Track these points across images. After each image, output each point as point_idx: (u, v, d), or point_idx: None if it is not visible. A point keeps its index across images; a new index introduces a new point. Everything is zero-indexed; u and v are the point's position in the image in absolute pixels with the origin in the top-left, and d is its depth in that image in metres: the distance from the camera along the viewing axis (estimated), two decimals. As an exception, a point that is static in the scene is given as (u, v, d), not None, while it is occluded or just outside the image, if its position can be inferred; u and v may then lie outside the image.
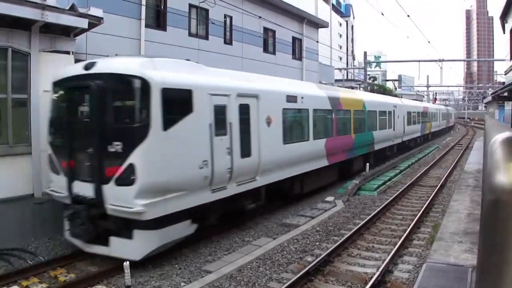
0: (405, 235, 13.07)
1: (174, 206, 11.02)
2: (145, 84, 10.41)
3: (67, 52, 13.76)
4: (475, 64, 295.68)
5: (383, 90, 62.81)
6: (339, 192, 20.35)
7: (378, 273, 10.03)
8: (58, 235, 12.98)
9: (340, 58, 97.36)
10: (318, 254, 11.74)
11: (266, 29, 28.83)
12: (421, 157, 35.22)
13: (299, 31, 33.00)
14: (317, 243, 13.02)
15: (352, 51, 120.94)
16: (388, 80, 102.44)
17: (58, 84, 12.06)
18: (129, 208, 10.13)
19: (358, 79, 63.70)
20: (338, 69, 60.37)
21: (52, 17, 12.44)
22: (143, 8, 19.38)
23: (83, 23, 13.41)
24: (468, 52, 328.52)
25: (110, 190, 10.47)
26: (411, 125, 39.09)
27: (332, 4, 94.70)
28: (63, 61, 13.61)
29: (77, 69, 11.58)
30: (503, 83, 36.26)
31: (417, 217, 15.21)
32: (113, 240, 10.82)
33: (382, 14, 31.41)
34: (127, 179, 10.24)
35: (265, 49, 29.26)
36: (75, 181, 11.18)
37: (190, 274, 10.61)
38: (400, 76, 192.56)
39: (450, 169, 27.45)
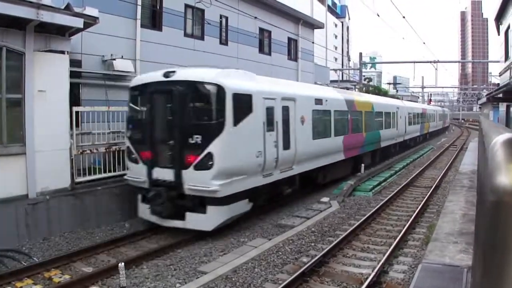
0: (400, 235, 13.05)
1: (238, 186, 13.69)
2: (221, 90, 13.12)
3: (62, 52, 13.69)
4: (469, 65, 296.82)
5: (378, 91, 62.86)
6: (334, 192, 20.32)
7: (373, 273, 10.01)
8: (52, 236, 12.98)
9: (336, 59, 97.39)
10: (313, 255, 11.70)
11: (261, 30, 28.84)
12: (416, 158, 35.27)
13: (295, 32, 33.01)
14: (313, 244, 12.98)
15: (348, 52, 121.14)
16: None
17: (137, 88, 14.63)
18: (207, 188, 12.81)
19: (353, 80, 63.80)
20: (334, 70, 60.36)
21: (47, 17, 12.36)
22: (139, 8, 19.36)
23: (79, 22, 13.34)
24: (463, 54, 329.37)
25: (189, 174, 13.03)
26: (411, 125, 41.52)
27: (328, 5, 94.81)
28: (58, 60, 13.56)
29: (157, 77, 14.08)
30: (498, 84, 36.33)
31: (412, 217, 15.20)
32: (189, 215, 13.31)
33: (378, 15, 31.42)
34: (205, 164, 12.88)
35: (261, 50, 29.27)
36: (155, 168, 13.66)
37: (185, 275, 10.56)
38: (395, 77, 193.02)
39: (445, 170, 27.46)
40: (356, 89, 50.12)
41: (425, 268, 7.55)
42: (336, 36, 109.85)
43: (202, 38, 23.67)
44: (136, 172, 14.20)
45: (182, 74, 13.82)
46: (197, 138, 12.95)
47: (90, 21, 13.93)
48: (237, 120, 13.40)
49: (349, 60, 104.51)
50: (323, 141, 19.93)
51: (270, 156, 15.08)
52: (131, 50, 19.25)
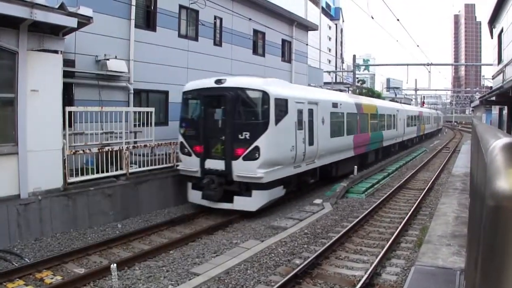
0: (393, 238, 13.06)
1: (276, 175, 16.57)
2: (266, 95, 16.11)
3: (56, 51, 13.61)
4: (462, 68, 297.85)
5: (372, 93, 62.95)
6: (327, 194, 20.33)
7: (366, 276, 10.00)
8: (44, 236, 12.92)
9: (329, 61, 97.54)
10: (306, 257, 11.70)
11: (255, 31, 28.81)
12: (408, 160, 35.31)
13: (289, 34, 33.01)
14: (305, 246, 12.97)
15: (341, 54, 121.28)
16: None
17: (190, 92, 17.65)
18: (254, 175, 15.69)
19: (347, 82, 63.84)
20: (327, 72, 60.41)
21: (40, 16, 12.29)
22: (133, 8, 19.29)
23: (72, 22, 13.27)
24: (456, 57, 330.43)
25: (238, 164, 15.91)
26: (409, 127, 44.94)
27: (322, 7, 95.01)
28: (51, 60, 13.49)
29: (209, 83, 17.04)
30: (491, 87, 36.45)
31: (405, 220, 15.21)
32: (236, 198, 16.24)
33: (372, 18, 31.40)
34: (252, 156, 15.77)
35: (255, 51, 29.23)
36: (207, 160, 16.51)
37: (178, 276, 10.52)
38: (388, 79, 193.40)
39: (437, 172, 27.54)
40: (350, 91, 50.18)
41: (418, 271, 7.55)
42: (330, 38, 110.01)
43: (196, 39, 23.63)
44: (189, 164, 17.07)
45: (233, 81, 17.01)
46: (245, 134, 15.91)
47: (84, 21, 13.87)
48: (277, 120, 16.35)
49: (342, 62, 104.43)
50: (338, 139, 22.87)
51: (300, 150, 18.03)
52: (125, 50, 19.18)
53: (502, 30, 25.65)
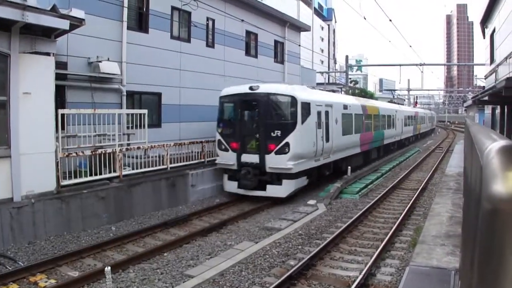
0: (387, 238, 13.09)
1: (301, 167, 19.42)
2: (294, 100, 19.14)
3: (48, 54, 13.57)
4: (455, 68, 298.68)
5: (364, 94, 63.01)
6: (321, 195, 20.37)
7: (361, 276, 10.02)
8: (38, 240, 12.88)
9: (322, 62, 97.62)
10: (300, 258, 11.71)
11: (248, 32, 28.79)
12: (402, 160, 35.38)
13: (281, 35, 32.99)
14: (300, 247, 12.99)
15: (334, 54, 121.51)
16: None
17: (226, 97, 20.60)
18: (284, 167, 18.53)
19: (340, 82, 63.87)
20: (320, 72, 60.39)
21: (32, 18, 12.26)
22: (125, 10, 19.24)
23: (64, 24, 13.24)
24: (449, 57, 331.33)
25: (271, 158, 18.78)
26: (406, 127, 47.98)
27: (314, 8, 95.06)
28: (44, 62, 13.45)
29: (244, 89, 20.02)
30: (483, 87, 36.55)
31: (399, 220, 15.26)
32: (269, 187, 19.14)
33: (365, 18, 31.42)
34: (283, 151, 18.65)
35: (247, 52, 29.21)
36: (243, 154, 19.40)
37: (172, 279, 10.52)
38: (381, 79, 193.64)
39: (431, 172, 27.62)
40: (342, 92, 50.28)
41: (412, 271, 7.58)
42: (322, 39, 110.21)
43: (188, 40, 23.60)
44: (226, 158, 19.94)
45: (265, 88, 19.85)
46: (277, 132, 18.78)
47: (76, 23, 13.84)
48: (303, 120, 19.25)
49: (335, 62, 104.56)
50: (348, 137, 25.73)
51: (319, 146, 20.88)
52: (117, 52, 19.14)
53: (494, 30, 25.74)
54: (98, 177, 15.53)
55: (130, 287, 10.00)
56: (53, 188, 13.75)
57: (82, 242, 13.33)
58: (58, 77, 14.95)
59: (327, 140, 22.00)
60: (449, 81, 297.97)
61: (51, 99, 13.63)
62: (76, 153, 14.96)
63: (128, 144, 17.94)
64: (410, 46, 43.21)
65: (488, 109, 31.79)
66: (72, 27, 13.76)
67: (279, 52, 33.26)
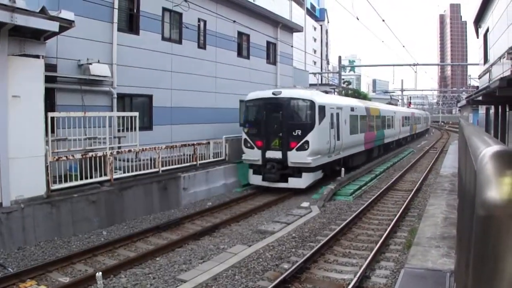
0: (381, 240, 13.10)
1: (318, 162, 22.19)
2: (313, 103, 22.00)
3: (37, 56, 13.52)
4: (449, 68, 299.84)
5: (358, 95, 63.07)
6: (314, 197, 20.40)
7: (355, 279, 10.01)
8: (27, 245, 12.81)
9: (315, 63, 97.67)
10: (294, 261, 11.70)
11: (240, 34, 28.80)
12: (396, 161, 35.46)
13: (274, 36, 33.03)
14: (293, 250, 12.98)
15: (327, 55, 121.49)
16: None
17: (252, 101, 23.21)
18: (304, 161, 21.39)
19: (333, 83, 63.94)
20: (313, 73, 60.47)
21: (21, 20, 12.20)
22: (116, 11, 19.21)
23: (54, 26, 13.19)
24: (442, 57, 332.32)
25: (292, 154, 21.54)
26: (404, 127, 51.23)
27: (307, 8, 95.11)
28: (33, 65, 13.39)
29: (268, 94, 22.89)
30: (477, 87, 36.65)
31: (394, 221, 15.26)
32: (290, 179, 21.85)
33: (357, 19, 31.53)
34: (303, 147, 21.46)
35: (239, 54, 29.23)
36: (267, 151, 22.01)
37: (165, 283, 10.48)
38: (374, 80, 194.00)
39: (425, 173, 27.69)
40: (336, 93, 50.37)
41: (407, 273, 7.58)
42: (315, 40, 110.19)
43: (180, 42, 23.58)
44: (251, 155, 22.62)
45: (287, 93, 22.74)
46: (298, 131, 21.60)
47: (66, 25, 13.80)
48: (319, 121, 22.12)
49: (328, 63, 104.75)
50: (355, 136, 28.58)
51: (332, 144, 23.73)
52: (108, 54, 19.10)
53: (487, 30, 25.82)
54: (88, 181, 15.46)
55: (121, 293, 9.97)
56: (43, 192, 13.68)
57: (72, 247, 13.27)
58: (48, 79, 14.90)
59: (338, 138, 24.81)
60: (443, 81, 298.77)
61: (41, 102, 13.58)
62: (66, 156, 14.87)
63: (119, 147, 17.92)
64: (403, 46, 43.35)
65: (482, 109, 31.87)
66: (62, 29, 13.71)
67: (271, 53, 33.30)
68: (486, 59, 27.69)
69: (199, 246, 13.58)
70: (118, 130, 18.40)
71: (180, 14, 23.00)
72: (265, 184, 22.23)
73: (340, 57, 54.01)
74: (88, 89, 18.10)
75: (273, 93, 22.61)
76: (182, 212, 18.03)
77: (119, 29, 19.57)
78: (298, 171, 21.76)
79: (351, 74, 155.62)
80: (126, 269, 11.47)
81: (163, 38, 22.47)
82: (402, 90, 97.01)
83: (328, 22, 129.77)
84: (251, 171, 23.01)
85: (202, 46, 25.45)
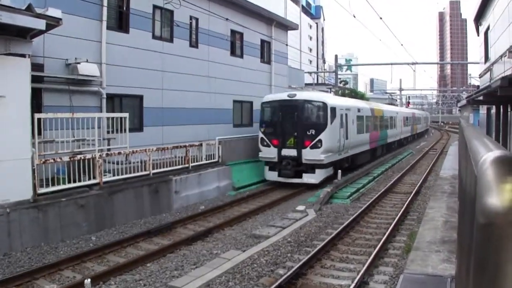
0: (380, 244, 13.10)
1: (330, 159, 24.69)
2: (325, 105, 24.55)
3: (23, 55, 13.46)
4: (448, 67, 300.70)
5: (355, 94, 63.23)
6: (310, 200, 20.41)
7: (353, 285, 10.02)
8: (13, 251, 12.75)
9: (310, 62, 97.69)
10: (290, 267, 11.69)
11: (233, 32, 28.78)
12: (394, 163, 35.57)
13: (268, 34, 33.03)
14: (289, 255, 12.96)
15: (323, 54, 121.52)
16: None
17: (268, 103, 26.03)
18: (317, 158, 23.81)
19: (329, 82, 63.93)
20: (308, 72, 60.42)
21: (6, 18, 12.15)
22: (105, 9, 19.15)
23: (41, 24, 13.15)
24: (442, 55, 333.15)
25: (306, 152, 24.03)
26: (405, 127, 54.23)
27: (302, 6, 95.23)
28: (19, 64, 13.33)
29: (283, 96, 25.79)
30: (478, 86, 36.73)
31: (392, 225, 15.28)
32: (305, 175, 24.33)
33: (354, 17, 31.54)
34: (317, 146, 23.91)
35: (232, 52, 29.20)
36: (283, 149, 24.52)
37: (156, 290, 10.45)
38: (372, 79, 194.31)
39: (425, 175, 27.76)
40: (332, 92, 50.39)
41: (407, 279, 7.57)
42: (310, 38, 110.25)
43: (171, 40, 23.54)
44: (268, 153, 25.08)
45: (302, 95, 26.15)
46: (312, 131, 24.13)
47: (53, 23, 13.75)
48: (331, 122, 24.59)
49: (324, 62, 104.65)
50: (361, 136, 31.19)
51: (341, 142, 26.10)
52: (97, 53, 19.04)
53: (488, 28, 25.89)
54: (77, 184, 15.39)
55: (111, 300, 9.93)
56: (30, 196, 13.61)
57: (60, 253, 13.21)
58: (34, 79, 14.83)
59: (347, 138, 27.12)
60: (442, 80, 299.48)
61: (27, 103, 13.52)
62: (54, 159, 14.82)
63: (109, 150, 17.85)
64: (402, 45, 43.38)
65: (483, 109, 31.94)
66: (49, 27, 13.66)
67: (265, 52, 33.28)
68: (487, 58, 27.77)
69: (192, 251, 13.56)
70: (108, 132, 18.32)
71: (172, 12, 22.97)
72: (281, 179, 24.74)
73: (336, 56, 53.83)
74: (76, 89, 18.05)
75: (288, 96, 25.45)
76: (173, 216, 18.00)
77: (108, 27, 19.50)
78: (311, 167, 24.21)
79: (348, 73, 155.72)
80: (115, 275, 11.43)
81: (154, 37, 22.43)
82: (400, 90, 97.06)
83: (324, 19, 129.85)
84: (267, 168, 25.57)
85: (194, 44, 25.42)
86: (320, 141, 23.86)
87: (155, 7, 22.22)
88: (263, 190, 23.97)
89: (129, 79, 20.69)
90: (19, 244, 13.09)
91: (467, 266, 2.28)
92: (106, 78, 19.27)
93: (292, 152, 24.28)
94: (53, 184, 14.71)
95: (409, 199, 19.87)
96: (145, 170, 18.34)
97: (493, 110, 24.93)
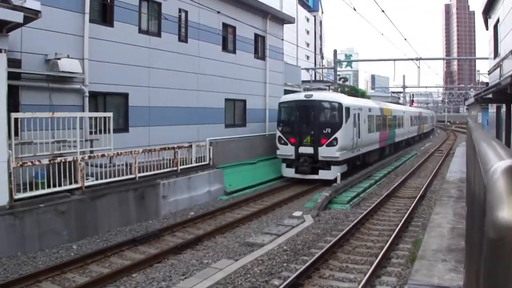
0: (382, 252, 13.09)
1: (344, 156, 27.10)
2: (340, 105, 27.18)
3: (-1, 50, 13.41)
4: (455, 62, 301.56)
5: (355, 92, 63.31)
6: (307, 206, 20.39)
7: (353, 297, 9.98)
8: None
9: (308, 57, 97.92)
10: (286, 277, 11.66)
11: (225, 25, 28.77)
12: (398, 165, 35.73)
13: (262, 28, 33.03)
14: (285, 264, 12.93)
15: (321, 49, 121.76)
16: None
17: (286, 103, 28.91)
18: (333, 156, 26.22)
19: (327, 80, 63.98)
20: (306, 69, 60.53)
21: (-20, 11, 12.10)
22: (87, 0, 19.06)
23: (18, 17, 13.08)
24: (448, 50, 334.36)
25: (322, 149, 26.45)
26: (412, 126, 56.94)
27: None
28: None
29: (300, 96, 28.78)
30: (487, 83, 36.80)
31: (395, 232, 15.27)
32: (321, 171, 26.70)
33: (354, 9, 31.53)
34: (332, 144, 26.30)
35: (224, 48, 29.19)
36: (300, 147, 26.99)
37: (142, 302, 10.40)
38: (373, 76, 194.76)
39: (430, 178, 27.82)
40: (331, 90, 50.45)
41: (411, 290, 7.52)
42: (308, 32, 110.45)
43: (158, 34, 23.49)
44: (285, 150, 27.61)
45: (318, 95, 28.63)
46: (327, 129, 26.68)
47: (31, 15, 13.69)
48: (346, 121, 27.14)
49: (322, 58, 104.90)
50: (371, 134, 33.76)
51: (355, 140, 28.57)
52: (79, 48, 18.94)
53: (498, 21, 25.89)
54: (57, 189, 15.29)
55: (93, 314, 9.87)
56: (5, 202, 13.52)
57: (39, 263, 13.12)
58: (11, 76, 14.75)
59: (359, 136, 29.55)
60: (448, 77, 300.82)
61: (3, 101, 13.45)
62: (32, 162, 14.72)
63: (91, 152, 17.79)
64: (405, 39, 43.38)
65: (492, 108, 31.86)
66: (27, 20, 13.60)
67: (260, 47, 33.30)
68: (496, 53, 27.76)
69: (180, 260, 13.51)
70: (90, 133, 18.27)
71: (159, 4, 22.94)
72: (298, 176, 27.29)
73: (335, 51, 53.87)
74: (56, 87, 17.97)
75: (305, 96, 28.37)
76: (161, 223, 17.95)
77: (91, 20, 19.40)
78: (327, 164, 26.73)
79: (347, 69, 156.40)
80: (99, 287, 11.37)
81: (140, 31, 22.37)
82: (403, 87, 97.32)
83: (322, 12, 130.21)
84: (284, 165, 28.14)
85: (183, 39, 25.37)
86: (335, 139, 26.40)
87: (141, -2, 22.18)
88: (258, 194, 23.83)
89: (114, 76, 20.61)
90: (-6, 254, 13.02)
91: (477, 277, 2.24)
92: (89, 75, 19.17)
93: (309, 150, 26.82)
94: (31, 189, 14.61)
95: (413, 204, 19.90)
96: (130, 173, 18.27)
97: (503, 109, 24.92)
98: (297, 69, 45.32)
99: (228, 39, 29.57)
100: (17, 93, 16.70)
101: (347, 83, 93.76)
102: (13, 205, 13.71)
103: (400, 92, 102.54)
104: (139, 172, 18.54)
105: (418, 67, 60.79)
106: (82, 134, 17.47)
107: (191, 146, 22.10)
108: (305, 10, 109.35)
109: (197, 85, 26.07)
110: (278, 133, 28.24)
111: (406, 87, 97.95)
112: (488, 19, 30.23)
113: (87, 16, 19.15)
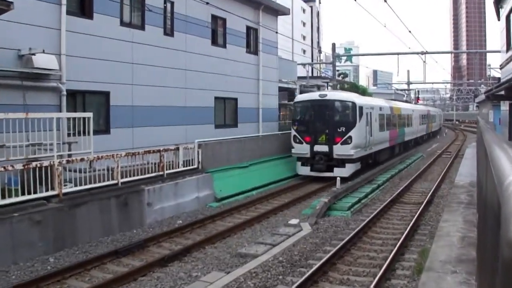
0: (386, 263, 13.08)
1: (358, 154, 29.75)
2: (354, 104, 30.15)
3: (-32, 46, 13.37)
4: (464, 56, 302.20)
5: (356, 89, 63.40)
6: (305, 213, 20.37)
7: (355, 312, 9.98)
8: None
9: (304, 51, 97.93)
10: (282, 291, 11.65)
11: (214, 17, 28.77)
12: (402, 168, 35.71)
13: (255, 20, 33.05)
14: (280, 277, 12.93)
15: (318, 42, 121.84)
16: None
17: (300, 102, 31.96)
18: (347, 153, 28.94)
19: (326, 76, 63.99)
20: (302, 64, 60.53)
21: None
22: (64, -9, 19.05)
23: (-13, 9, 13.07)
24: (456, 43, 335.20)
25: (337, 148, 29.04)
26: (421, 125, 59.90)
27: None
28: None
29: (315, 96, 32.32)
30: (499, 79, 36.85)
31: (400, 241, 15.25)
32: (336, 169, 28.91)
33: (355, 0, 31.60)
34: (347, 142, 29.00)
35: (214, 41, 29.22)
36: (315, 145, 29.38)
37: (125, 320, 10.38)
38: (375, 71, 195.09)
39: (437, 182, 27.83)
40: (329, 87, 50.50)
41: (418, 305, 7.52)
42: (304, 24, 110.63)
43: (142, 27, 23.46)
44: (300, 149, 30.11)
45: (332, 95, 31.76)
46: (342, 128, 29.20)
47: (3, 7, 13.70)
48: (359, 120, 29.79)
49: (320, 52, 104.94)
50: (382, 133, 36.49)
51: (367, 139, 31.34)
52: (55, 42, 18.89)
53: (511, 10, 25.94)
54: (32, 196, 15.24)
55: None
56: (-24, 211, 13.50)
57: (12, 277, 13.06)
58: (-19, 74, 14.72)
59: (371, 135, 32.25)
60: (457, 72, 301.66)
61: (-28, 102, 13.42)
62: (4, 167, 14.67)
63: (70, 155, 17.75)
64: (410, 32, 43.52)
65: (504, 106, 31.82)
66: (-2, 12, 13.57)
67: (252, 40, 33.37)
68: (509, 46, 27.82)
69: (167, 274, 13.48)
70: (68, 135, 18.24)
71: (143, -6, 22.92)
72: (313, 174, 29.89)
73: (334, 45, 53.90)
74: (31, 85, 17.94)
75: (320, 96, 31.56)
76: (146, 233, 17.91)
77: (68, 12, 19.35)
78: (342, 162, 29.25)
79: (347, 64, 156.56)
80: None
81: (122, 23, 22.35)
82: (408, 83, 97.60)
83: (320, 2, 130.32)
84: (299, 163, 30.76)
85: (169, 32, 25.36)
86: (350, 137, 29.05)
87: (123, -12, 22.16)
88: (251, 200, 23.78)
89: (94, 73, 20.58)
90: (-36, 268, 12.97)
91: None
92: (66, 72, 19.13)
93: (324, 148, 29.42)
94: (3, 197, 14.56)
95: (420, 210, 19.89)
96: (112, 179, 18.25)
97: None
98: (292, 64, 45.48)
99: (217, 32, 29.60)
100: (-12, 92, 16.66)
101: (347, 79, 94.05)
102: (-16, 214, 13.67)
103: (405, 89, 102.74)
104: (122, 177, 18.52)
105: (424, 61, 61.07)
106: (59, 136, 17.46)
107: (178, 148, 22.09)
108: (301, 0, 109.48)
109: (184, 83, 26.04)
110: (293, 132, 30.85)
111: (411, 83, 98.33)
112: (500, 9, 30.29)
113: (64, 8, 19.10)
